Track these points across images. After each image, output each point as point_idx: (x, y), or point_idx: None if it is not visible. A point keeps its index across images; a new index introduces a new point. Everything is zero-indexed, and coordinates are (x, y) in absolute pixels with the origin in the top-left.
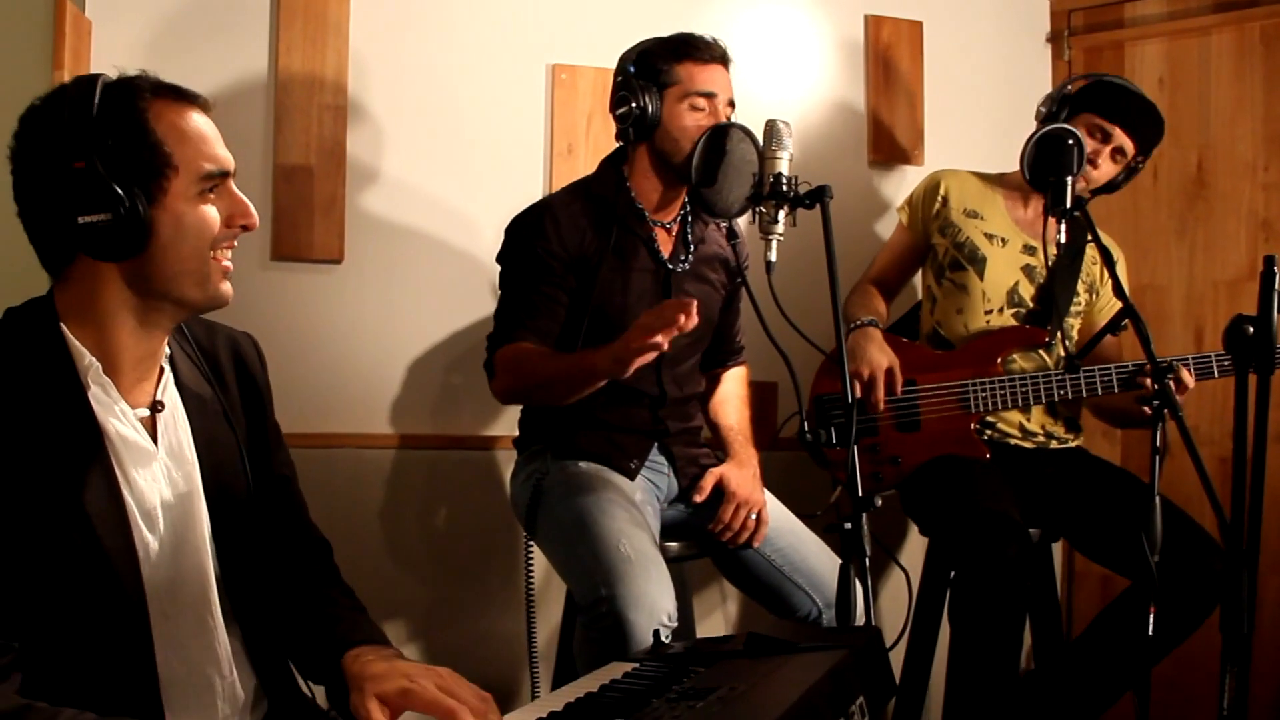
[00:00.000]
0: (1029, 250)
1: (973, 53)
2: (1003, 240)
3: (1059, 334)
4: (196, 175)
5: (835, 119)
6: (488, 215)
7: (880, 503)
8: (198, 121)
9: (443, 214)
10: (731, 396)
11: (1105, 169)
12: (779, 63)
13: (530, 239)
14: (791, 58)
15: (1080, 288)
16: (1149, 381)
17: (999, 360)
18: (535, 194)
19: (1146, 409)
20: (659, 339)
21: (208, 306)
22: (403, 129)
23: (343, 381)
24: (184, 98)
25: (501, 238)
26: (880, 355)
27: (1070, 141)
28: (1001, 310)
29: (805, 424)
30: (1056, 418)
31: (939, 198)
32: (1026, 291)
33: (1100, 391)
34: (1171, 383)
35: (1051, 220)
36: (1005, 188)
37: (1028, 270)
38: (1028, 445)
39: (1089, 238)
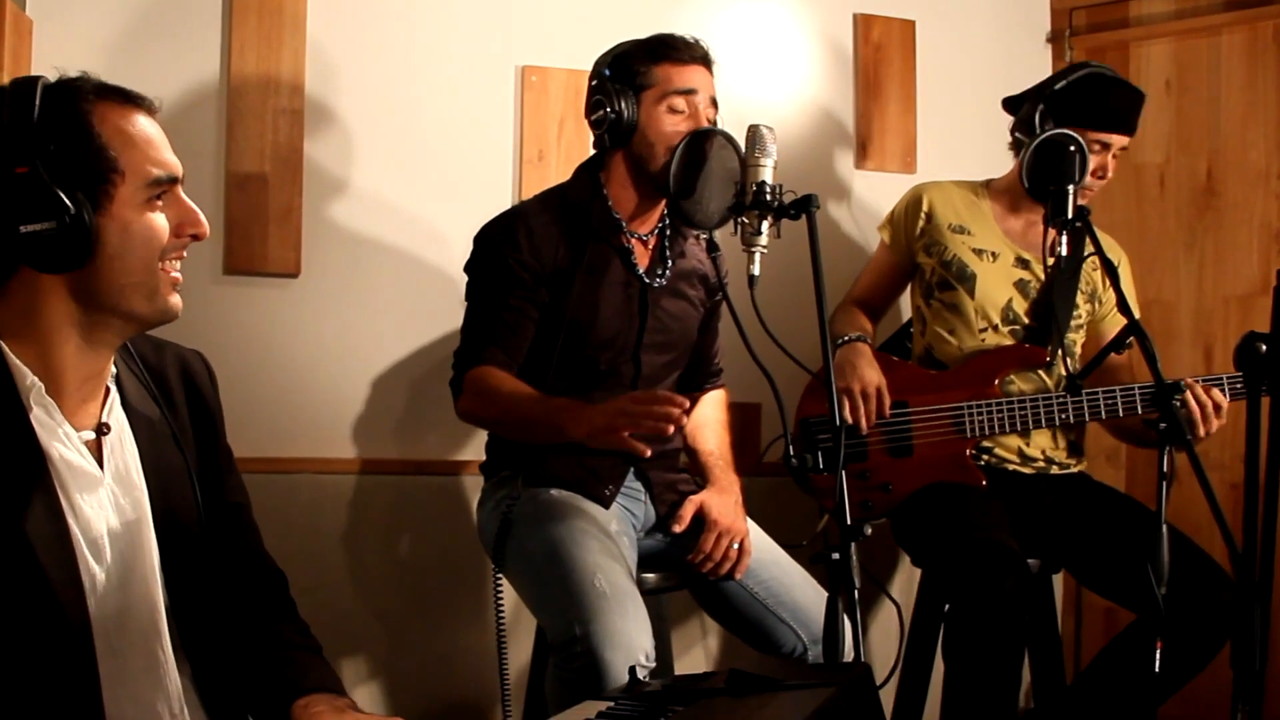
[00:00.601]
0: (1022, 263)
1: (968, 54)
2: (993, 255)
3: (1059, 352)
4: (144, 181)
5: (822, 124)
6: (454, 225)
7: (870, 531)
8: (144, 125)
9: (406, 224)
10: (710, 420)
11: (1111, 171)
12: (762, 65)
13: (501, 249)
14: (776, 59)
15: (1080, 299)
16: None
17: (996, 382)
18: (504, 203)
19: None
20: (641, 446)
21: (157, 321)
22: (364, 134)
23: (300, 403)
24: (129, 100)
25: (469, 249)
26: (870, 371)
27: (1072, 149)
28: (996, 328)
29: (790, 448)
30: (1057, 442)
31: (922, 214)
32: (1021, 307)
33: (1104, 416)
34: (1195, 404)
35: (1052, 231)
36: (992, 197)
37: (1021, 285)
38: (1027, 471)
39: (1089, 249)
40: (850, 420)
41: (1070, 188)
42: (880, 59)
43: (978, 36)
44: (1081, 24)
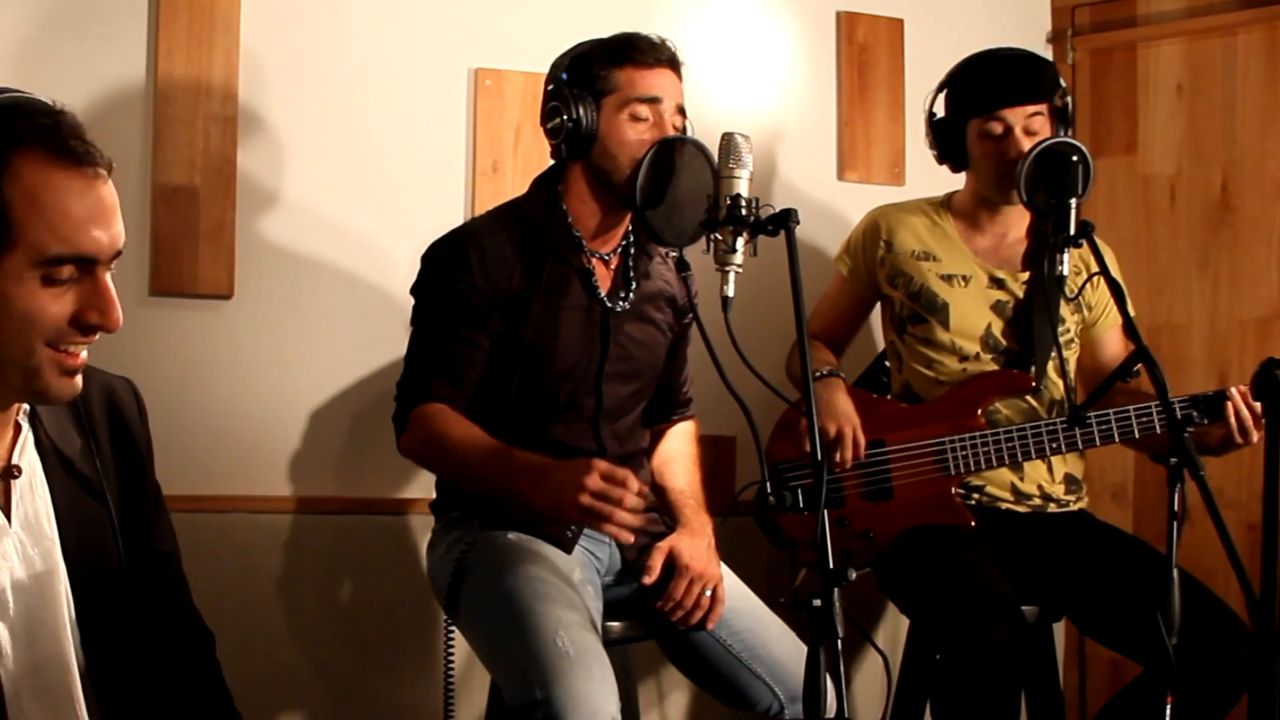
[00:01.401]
0: (996, 283)
1: (961, 55)
2: (964, 279)
3: (1046, 377)
4: (36, 257)
5: (802, 132)
6: (401, 243)
7: (854, 576)
8: (70, 191)
9: (348, 242)
10: (679, 455)
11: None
12: (737, 68)
13: (450, 271)
14: (751, 62)
15: (1065, 310)
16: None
17: (979, 412)
18: (455, 218)
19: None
20: (625, 535)
21: (40, 403)
22: (303, 143)
23: (232, 435)
24: (66, 156)
25: (416, 268)
26: (848, 408)
27: (1075, 158)
28: (978, 357)
29: (769, 487)
30: (1054, 476)
31: (881, 242)
32: (1002, 331)
33: (1099, 442)
34: (1234, 419)
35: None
36: (955, 214)
37: (999, 308)
38: (1021, 510)
39: (1059, 253)
40: (833, 461)
41: (1073, 201)
42: (865, 61)
43: (972, 37)
44: (1085, 23)
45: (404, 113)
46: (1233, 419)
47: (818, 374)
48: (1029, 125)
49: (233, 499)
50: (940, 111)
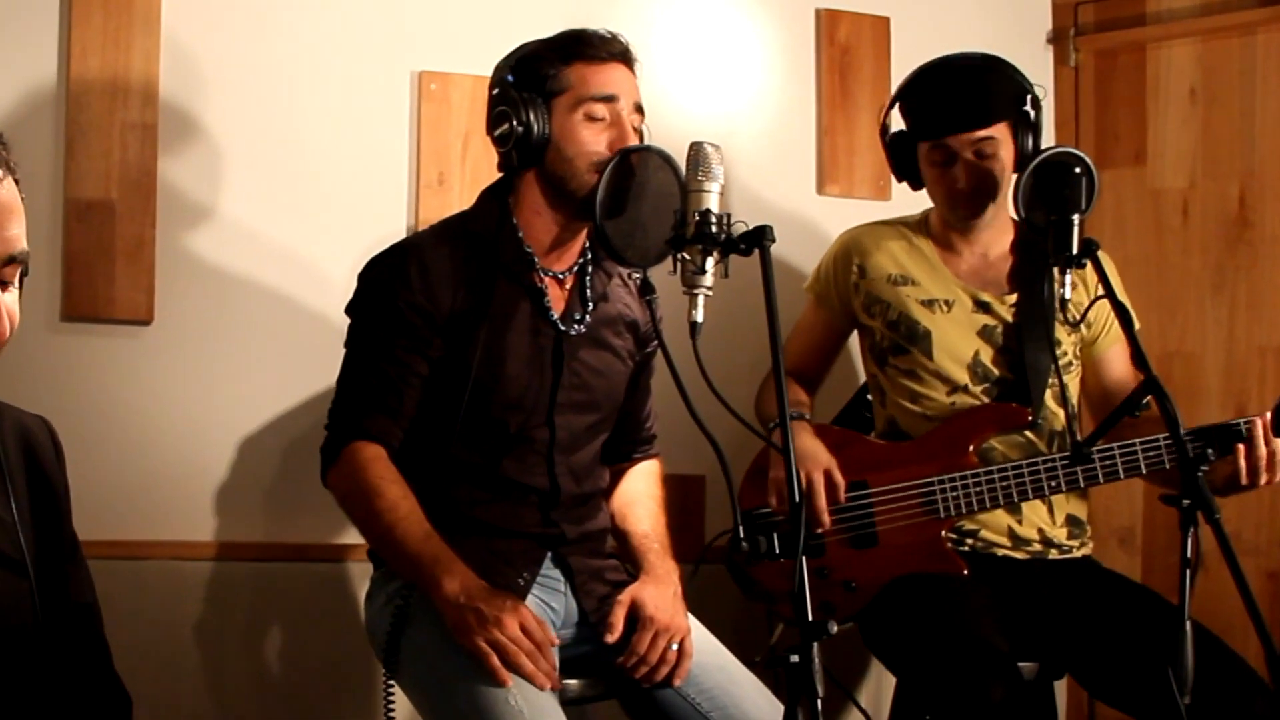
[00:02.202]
0: (982, 307)
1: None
2: (946, 304)
3: (1045, 408)
4: None
5: (779, 141)
6: (337, 262)
7: (836, 630)
8: None
9: (280, 261)
10: (642, 496)
11: (987, 174)
12: (706, 71)
13: (388, 288)
14: (722, 64)
15: (1061, 332)
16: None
17: (971, 448)
18: (398, 234)
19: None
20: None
21: None
22: (230, 153)
23: (150, 475)
24: None
25: (354, 289)
26: (817, 451)
27: (1078, 170)
28: (967, 389)
29: (740, 529)
30: (1055, 518)
31: (853, 268)
32: (992, 359)
33: (1102, 479)
34: (1244, 458)
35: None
36: (932, 235)
37: (987, 333)
38: (1019, 556)
39: (1061, 274)
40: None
41: (1076, 218)
42: (848, 63)
43: (965, 37)
44: (1089, 22)
45: (342, 119)
46: (1243, 460)
47: (774, 422)
48: (980, 150)
49: (151, 545)
50: (897, 124)
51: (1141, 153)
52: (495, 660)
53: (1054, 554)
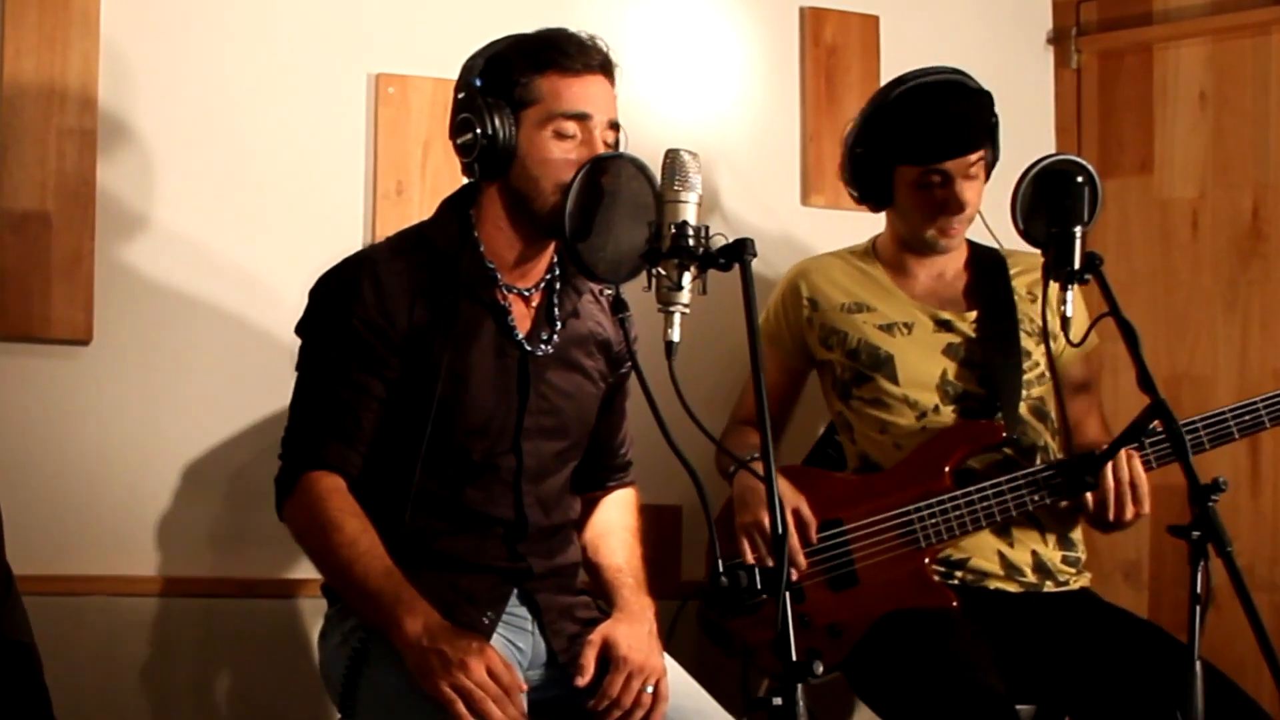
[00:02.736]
0: (943, 325)
1: (947, 58)
2: (905, 326)
3: (1023, 422)
4: None
5: (760, 148)
6: (289, 278)
7: (821, 670)
8: None
9: (228, 277)
10: (616, 527)
11: (975, 195)
12: (683, 74)
13: (340, 304)
14: (700, 67)
15: (1029, 343)
16: None
17: (946, 470)
18: (353, 247)
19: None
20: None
21: None
22: (174, 161)
23: (90, 505)
24: None
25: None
26: (783, 490)
27: (1080, 180)
28: (937, 410)
29: (721, 574)
30: (1047, 540)
31: (804, 302)
32: (961, 377)
33: (1087, 488)
34: (1112, 480)
35: (1054, 287)
36: (883, 259)
37: (952, 351)
38: (1013, 589)
39: (1057, 283)
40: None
41: (1078, 230)
42: (835, 65)
43: (959, 37)
44: (1091, 21)
45: (294, 125)
46: (1109, 493)
47: (735, 466)
48: (971, 172)
49: (91, 580)
50: (862, 147)
51: (1148, 161)
52: (460, 707)
53: (1050, 586)
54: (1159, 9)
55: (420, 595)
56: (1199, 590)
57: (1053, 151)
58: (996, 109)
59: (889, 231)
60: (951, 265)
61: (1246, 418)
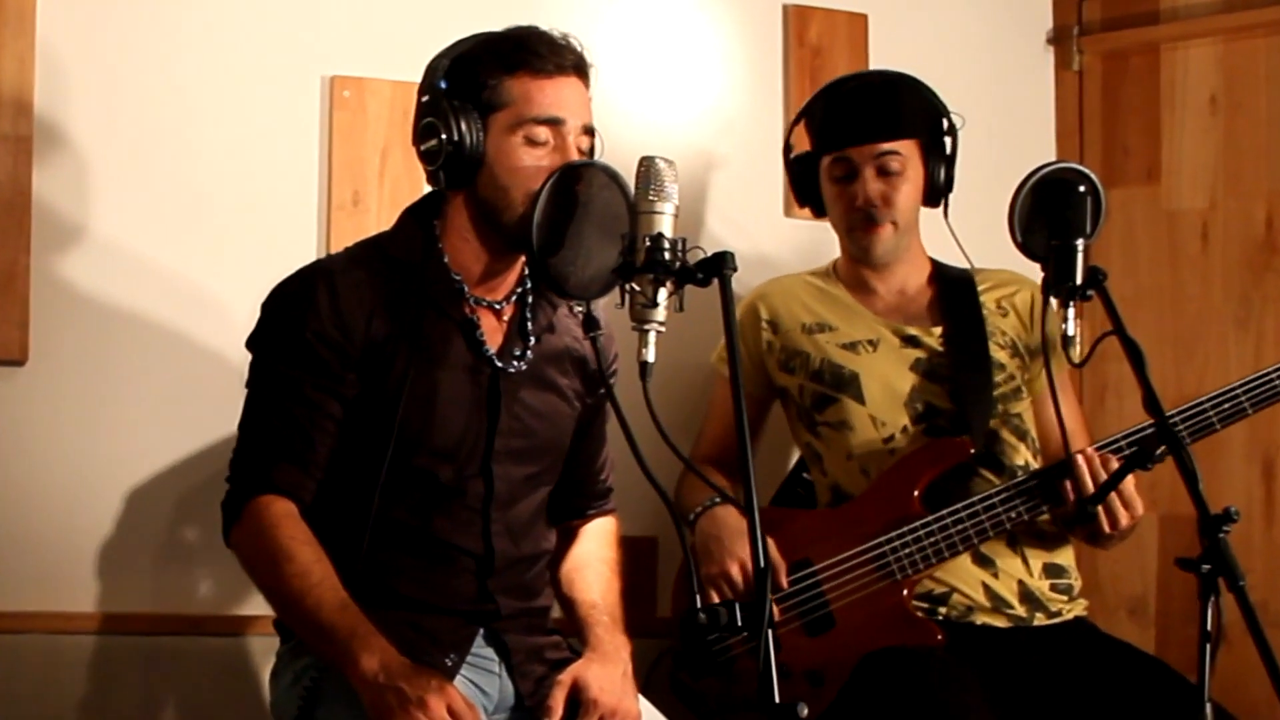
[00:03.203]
0: (910, 341)
1: (941, 59)
2: (870, 344)
3: (1002, 441)
4: None
5: (741, 156)
6: (238, 294)
7: (805, 712)
8: None
9: (173, 292)
10: (592, 559)
11: (893, 193)
12: (659, 77)
13: (294, 317)
14: (678, 69)
15: (1001, 355)
16: None
17: (915, 495)
18: (306, 260)
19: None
20: None
21: None
22: (116, 170)
23: (26, 535)
24: None
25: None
26: (744, 538)
27: (1082, 189)
28: (906, 430)
29: (700, 611)
30: (1031, 567)
31: (763, 325)
32: (931, 394)
33: (1071, 504)
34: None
35: (1054, 302)
36: (843, 277)
37: (921, 366)
38: (1000, 624)
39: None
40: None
41: (1080, 243)
42: (820, 66)
43: (954, 36)
44: (1094, 20)
45: (242, 132)
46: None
47: (699, 509)
48: (884, 165)
49: (26, 616)
50: (800, 146)
51: (1155, 169)
52: None
53: (1041, 618)
54: (1166, 7)
55: (376, 630)
56: (1209, 627)
57: (1053, 159)
58: (997, 114)
59: (840, 246)
60: (914, 280)
61: (1226, 406)
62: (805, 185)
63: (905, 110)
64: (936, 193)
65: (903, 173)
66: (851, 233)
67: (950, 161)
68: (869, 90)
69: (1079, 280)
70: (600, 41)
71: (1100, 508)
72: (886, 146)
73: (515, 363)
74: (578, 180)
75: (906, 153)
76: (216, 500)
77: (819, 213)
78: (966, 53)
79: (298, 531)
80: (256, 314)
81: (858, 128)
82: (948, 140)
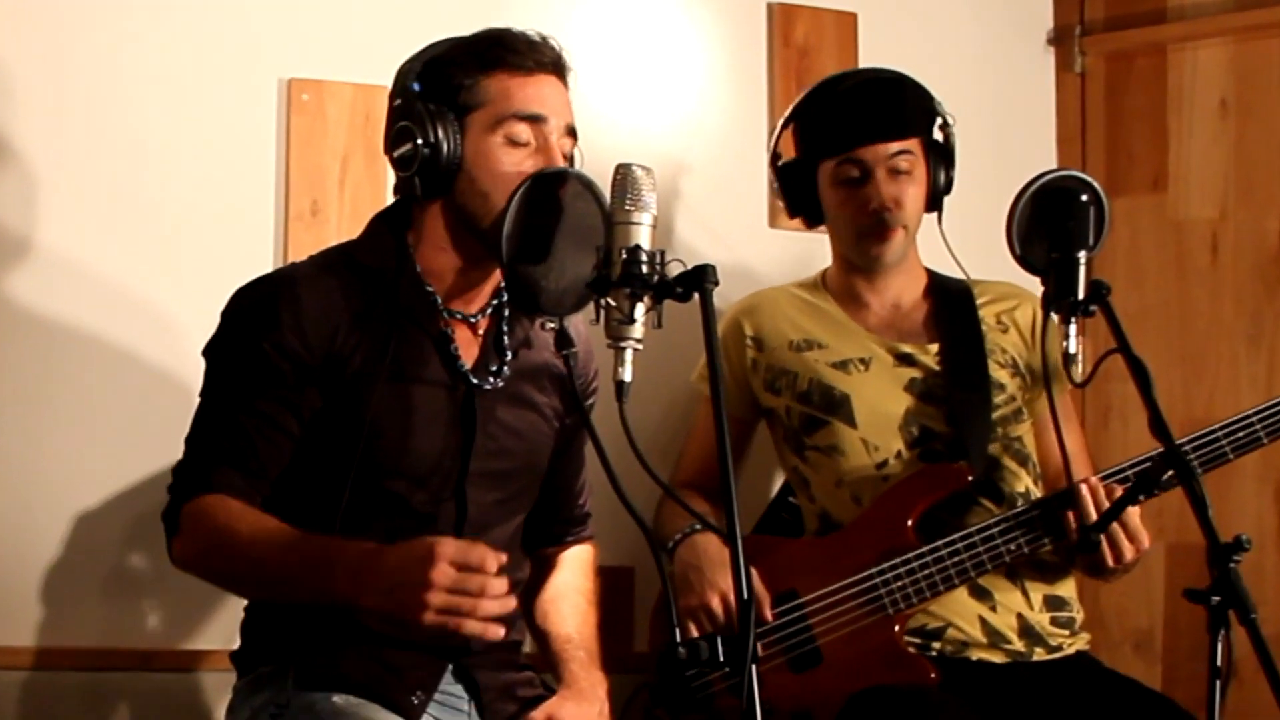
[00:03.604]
0: (904, 360)
1: (935, 60)
2: (862, 362)
3: (1003, 468)
4: None
5: (723, 162)
6: (190, 309)
7: None
8: None
9: (122, 309)
10: (569, 590)
11: (904, 195)
12: (636, 80)
13: (252, 325)
14: (657, 71)
15: (1001, 375)
16: None
17: (909, 524)
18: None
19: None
20: (491, 628)
21: None
22: (57, 178)
23: None
24: None
25: (207, 338)
26: (725, 564)
27: (1085, 197)
28: (900, 455)
29: (680, 646)
30: (1031, 601)
31: (747, 342)
32: (927, 416)
33: (1073, 532)
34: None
35: (1055, 319)
36: (833, 290)
37: (915, 387)
38: (998, 659)
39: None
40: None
41: (1082, 255)
42: (807, 68)
43: (948, 36)
44: (1097, 19)
45: (194, 138)
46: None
47: (678, 536)
48: (896, 165)
49: None
50: (788, 152)
51: (1161, 177)
52: (468, 607)
53: (1040, 653)
54: (1174, 5)
55: (339, 548)
56: (1219, 662)
57: (1054, 166)
58: (995, 118)
59: (834, 255)
60: (909, 293)
61: (1241, 435)
62: (798, 194)
63: (910, 107)
64: (937, 196)
65: (912, 173)
66: (861, 240)
67: (951, 162)
68: (875, 86)
69: (1081, 295)
70: (572, 42)
71: (1104, 539)
72: (898, 146)
73: (491, 379)
74: (550, 189)
75: (915, 152)
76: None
77: (812, 223)
78: (962, 53)
79: (232, 505)
80: (209, 330)
81: (868, 126)
82: (941, 138)
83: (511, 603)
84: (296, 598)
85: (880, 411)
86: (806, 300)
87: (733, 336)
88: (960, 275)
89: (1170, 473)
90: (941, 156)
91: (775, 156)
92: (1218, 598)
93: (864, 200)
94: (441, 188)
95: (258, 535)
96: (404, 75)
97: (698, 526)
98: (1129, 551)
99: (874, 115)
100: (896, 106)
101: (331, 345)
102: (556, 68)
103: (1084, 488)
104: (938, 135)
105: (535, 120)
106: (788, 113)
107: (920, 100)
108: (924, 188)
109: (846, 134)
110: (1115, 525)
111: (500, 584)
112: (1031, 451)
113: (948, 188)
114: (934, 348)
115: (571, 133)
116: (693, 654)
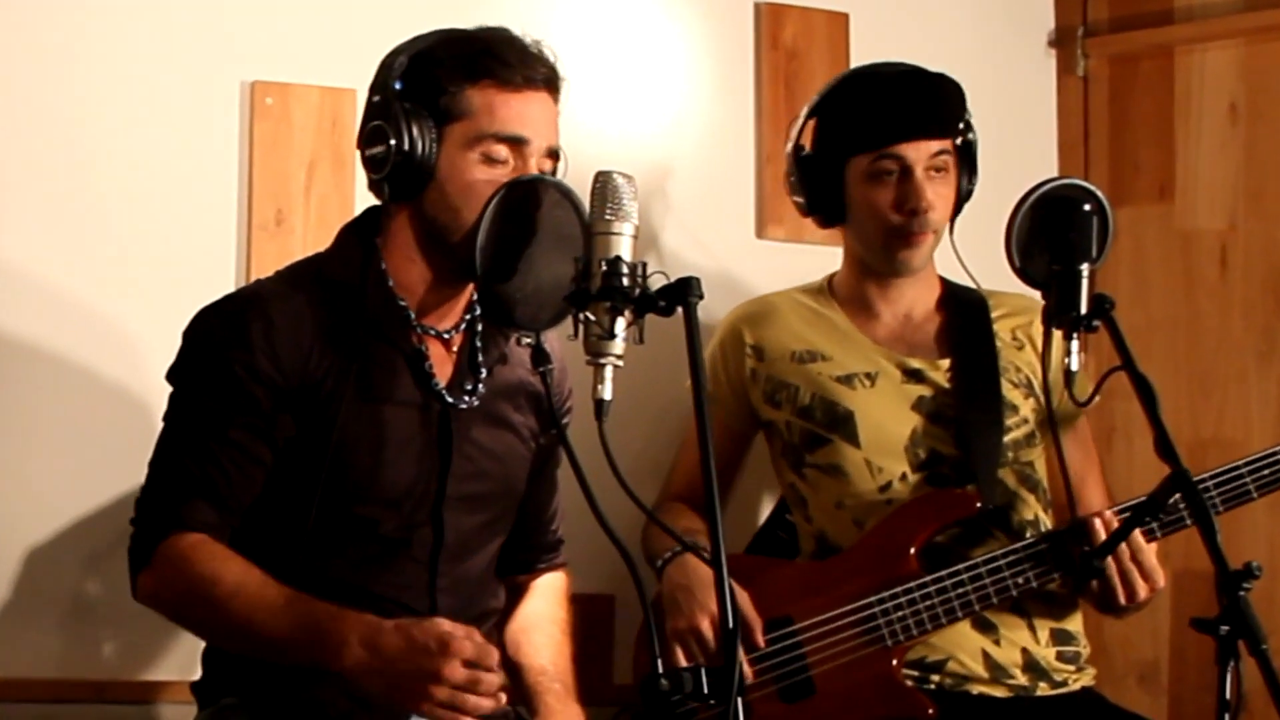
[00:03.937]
0: (912, 376)
1: (931, 62)
2: (868, 377)
3: (1017, 497)
4: None
5: (708, 170)
6: (149, 326)
7: None
8: None
9: (76, 324)
10: (542, 620)
11: (939, 198)
12: (617, 83)
13: (222, 348)
14: (638, 73)
15: (1014, 396)
16: None
17: (912, 552)
18: (224, 288)
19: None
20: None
21: None
22: (12, 190)
23: None
24: None
25: (170, 358)
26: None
27: (1088, 207)
28: (905, 478)
29: (662, 676)
30: (1038, 635)
31: (747, 351)
32: (935, 436)
33: (1080, 569)
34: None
35: (1057, 336)
36: (840, 297)
37: (924, 405)
38: (1000, 694)
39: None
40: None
41: (1085, 268)
42: (795, 71)
43: (945, 37)
44: (1101, 21)
45: (152, 145)
46: (1114, 574)
47: (666, 555)
48: (936, 165)
49: None
50: (808, 145)
51: (1168, 185)
52: (471, 705)
53: (1044, 689)
54: (1181, 6)
55: (341, 620)
56: (1228, 695)
57: (1055, 174)
58: (993, 124)
59: (846, 259)
60: (921, 304)
61: (1266, 472)
62: (820, 190)
63: (952, 105)
64: (959, 204)
65: (948, 174)
66: (889, 242)
67: (975, 169)
68: (919, 80)
69: (1084, 309)
70: (550, 44)
71: (1118, 576)
72: (939, 145)
73: (466, 398)
74: (527, 198)
75: (951, 154)
76: (125, 553)
77: (829, 222)
78: (959, 55)
79: (215, 551)
80: (169, 348)
81: (912, 122)
82: (970, 144)
83: (504, 697)
84: (283, 660)
85: (886, 431)
86: (811, 308)
87: (732, 345)
88: (974, 285)
89: (1177, 494)
90: (967, 161)
91: (798, 149)
92: (1227, 627)
93: (900, 199)
94: (410, 193)
95: (245, 590)
96: (386, 69)
97: (674, 550)
98: (1143, 590)
99: (918, 110)
100: (940, 103)
101: (305, 367)
102: (548, 83)
103: (1098, 522)
104: (967, 139)
105: (516, 142)
106: (812, 104)
107: (960, 100)
108: (955, 192)
109: (887, 128)
110: (1130, 563)
111: (499, 679)
112: (1042, 477)
113: (969, 195)
114: (945, 364)
115: (553, 155)
116: (675, 684)
